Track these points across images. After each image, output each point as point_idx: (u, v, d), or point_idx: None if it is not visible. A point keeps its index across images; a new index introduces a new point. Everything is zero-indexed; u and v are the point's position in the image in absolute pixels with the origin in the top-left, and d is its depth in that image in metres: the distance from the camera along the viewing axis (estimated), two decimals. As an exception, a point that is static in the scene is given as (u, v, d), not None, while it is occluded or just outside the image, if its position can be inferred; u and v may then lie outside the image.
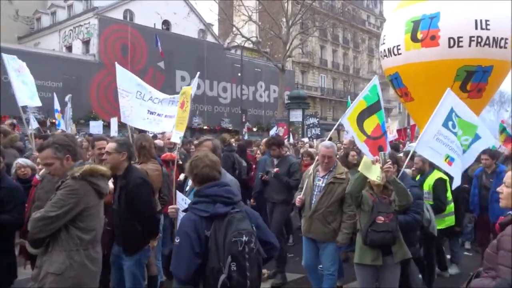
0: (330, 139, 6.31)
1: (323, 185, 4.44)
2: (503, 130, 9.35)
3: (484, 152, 5.77)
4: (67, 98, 8.71)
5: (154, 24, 28.68)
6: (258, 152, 8.21)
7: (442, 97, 4.61)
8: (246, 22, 25.29)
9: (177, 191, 3.65)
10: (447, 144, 4.48)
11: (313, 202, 4.47)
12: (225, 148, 7.33)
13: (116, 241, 3.76)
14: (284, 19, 25.49)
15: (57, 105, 9.55)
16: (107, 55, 24.99)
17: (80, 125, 19.74)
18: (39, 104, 7.42)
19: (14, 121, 8.22)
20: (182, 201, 3.42)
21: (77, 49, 28.01)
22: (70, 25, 28.87)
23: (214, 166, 2.66)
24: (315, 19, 29.35)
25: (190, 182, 3.53)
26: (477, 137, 4.82)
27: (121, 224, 3.66)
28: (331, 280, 4.41)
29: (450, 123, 4.55)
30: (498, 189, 2.58)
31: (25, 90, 7.09)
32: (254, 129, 30.51)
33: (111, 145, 3.73)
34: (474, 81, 12.35)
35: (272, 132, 15.17)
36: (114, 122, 10.08)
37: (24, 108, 7.30)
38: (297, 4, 26.64)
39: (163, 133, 7.12)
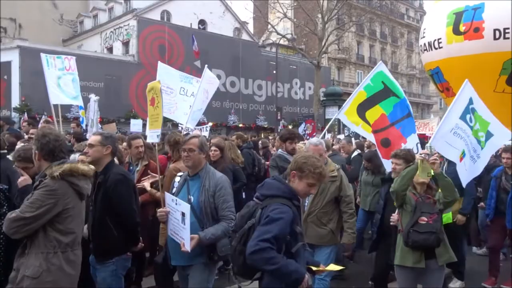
0: (323, 135, 6.28)
1: None
2: None
3: (506, 150, 5.31)
4: (94, 98, 8.84)
5: (191, 24, 29.17)
6: (274, 148, 8.20)
7: (460, 89, 4.24)
8: (281, 19, 25.18)
9: (166, 192, 3.42)
10: (464, 138, 4.10)
11: (306, 204, 4.20)
12: (244, 146, 7.44)
13: (92, 247, 3.35)
14: (319, 15, 25.17)
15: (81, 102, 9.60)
16: (145, 55, 25.70)
17: (120, 124, 20.43)
18: (81, 103, 7.77)
19: (49, 119, 8.62)
20: (172, 202, 3.21)
21: (118, 50, 28.99)
22: (111, 27, 29.91)
23: None
24: (351, 14, 28.76)
25: (177, 179, 3.41)
26: (489, 134, 4.37)
27: (96, 227, 3.24)
28: (323, 285, 4.12)
29: (468, 116, 4.16)
30: None
31: (68, 89, 7.47)
32: (290, 127, 30.41)
33: (95, 138, 3.40)
34: (522, 75, 11.70)
35: (300, 128, 14.97)
36: (139, 122, 10.28)
37: (68, 107, 7.69)
38: (333, 0, 26.22)
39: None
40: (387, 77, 4.87)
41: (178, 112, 6.01)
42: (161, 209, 3.35)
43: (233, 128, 27.19)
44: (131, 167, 5.03)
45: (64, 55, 8.01)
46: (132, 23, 27.31)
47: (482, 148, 4.32)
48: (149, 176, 4.62)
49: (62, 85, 7.59)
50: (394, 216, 3.91)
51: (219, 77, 28.61)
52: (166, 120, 6.69)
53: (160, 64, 6.09)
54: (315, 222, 4.14)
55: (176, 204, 3.15)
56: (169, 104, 5.92)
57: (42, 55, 7.50)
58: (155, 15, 29.48)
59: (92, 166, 2.94)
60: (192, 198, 3.19)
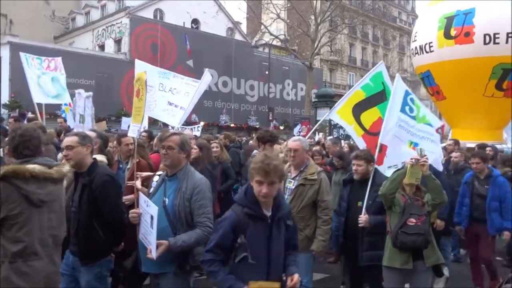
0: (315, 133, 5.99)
1: (293, 187, 3.99)
2: None
3: (474, 155, 5.27)
4: (86, 94, 8.69)
5: (184, 23, 29.10)
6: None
7: (394, 84, 4.37)
8: (274, 20, 25.23)
9: (140, 193, 3.20)
10: (408, 129, 4.22)
11: None
12: (231, 145, 7.45)
13: (71, 249, 3.17)
14: (312, 17, 25.27)
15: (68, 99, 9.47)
16: (138, 53, 25.55)
17: (111, 122, 20.28)
18: (65, 101, 7.72)
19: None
20: (144, 203, 2.99)
21: (109, 47, 28.80)
22: (103, 24, 29.71)
23: None
24: (344, 16, 28.92)
25: (155, 178, 3.25)
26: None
27: (80, 229, 3.08)
28: None
29: (407, 108, 4.26)
30: None
31: (48, 88, 7.45)
32: (281, 127, 30.46)
33: (72, 139, 3.16)
34: (511, 79, 11.87)
35: (296, 130, 15.01)
36: (145, 119, 10.13)
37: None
38: (326, 1, 26.35)
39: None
40: (385, 78, 4.77)
41: (157, 109, 5.86)
42: (133, 210, 3.13)
43: (224, 128, 27.15)
44: (120, 165, 4.97)
45: (44, 57, 7.99)
46: (125, 21, 27.15)
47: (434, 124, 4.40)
48: (140, 173, 4.58)
49: (42, 84, 7.60)
50: (362, 218, 3.88)
51: (211, 76, 28.64)
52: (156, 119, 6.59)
53: (137, 61, 5.97)
54: None
55: (147, 206, 2.92)
56: (149, 102, 5.74)
57: (21, 54, 7.49)
58: (148, 14, 29.34)
59: (67, 168, 2.72)
60: (167, 200, 2.96)
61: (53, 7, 31.90)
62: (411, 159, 3.68)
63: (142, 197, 3.06)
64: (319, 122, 6.05)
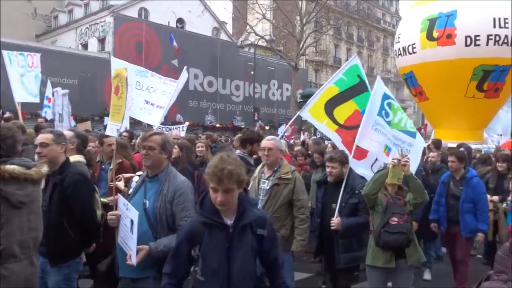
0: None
1: (268, 187, 3.96)
2: None
3: (451, 153, 5.28)
4: (62, 92, 8.52)
5: (169, 22, 28.87)
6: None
7: (374, 87, 4.32)
8: (260, 20, 25.26)
9: (119, 195, 3.09)
10: (384, 133, 4.17)
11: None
12: (214, 145, 7.42)
13: (40, 250, 2.93)
14: (298, 17, 25.40)
15: (48, 92, 9.11)
16: (122, 52, 25.24)
17: (94, 122, 19.98)
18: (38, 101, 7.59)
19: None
20: (124, 206, 2.86)
21: (93, 46, 28.38)
22: (86, 23, 29.25)
23: None
24: (329, 17, 29.14)
25: (135, 178, 3.12)
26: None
27: (50, 229, 2.92)
28: None
29: (383, 112, 4.22)
30: (510, 198, 2.43)
31: (31, 87, 7.29)
32: (267, 128, 30.50)
33: (47, 136, 3.11)
34: (491, 81, 12.16)
35: (280, 130, 15.04)
36: (127, 118, 9.97)
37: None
38: (312, 2, 26.51)
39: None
40: (361, 71, 4.62)
41: (134, 108, 5.76)
42: (112, 212, 2.98)
43: (210, 128, 27.03)
44: (103, 166, 4.90)
45: (27, 52, 7.81)
46: (109, 20, 26.79)
47: (414, 135, 4.31)
48: (123, 175, 4.52)
49: (26, 82, 7.44)
50: (334, 221, 3.87)
51: (196, 76, 28.51)
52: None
53: (113, 59, 5.85)
54: None
55: (127, 209, 2.80)
56: (126, 101, 5.67)
57: (4, 52, 7.31)
58: (133, 12, 29.01)
59: (45, 168, 2.62)
60: (147, 203, 2.83)
61: (35, 5, 31.28)
62: (393, 159, 3.72)
63: (122, 200, 2.93)
64: (292, 119, 5.86)
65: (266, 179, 4.02)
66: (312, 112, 4.60)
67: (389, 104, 4.29)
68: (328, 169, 4.10)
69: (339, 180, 4.06)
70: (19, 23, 29.48)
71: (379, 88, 4.33)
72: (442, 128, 13.33)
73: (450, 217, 5.09)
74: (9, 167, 2.35)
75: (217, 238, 2.19)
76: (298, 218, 3.92)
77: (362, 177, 4.23)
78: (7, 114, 8.38)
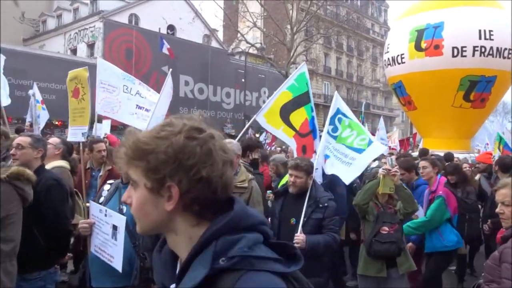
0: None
1: None
2: (500, 139, 9.41)
3: (398, 164, 5.32)
4: (31, 92, 8.37)
5: (159, 29, 28.82)
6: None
7: (332, 102, 4.52)
8: (250, 28, 25.39)
9: (91, 201, 2.98)
10: (326, 145, 4.23)
11: None
12: None
13: None
14: (288, 26, 25.57)
15: (38, 96, 8.82)
16: (112, 58, 25.03)
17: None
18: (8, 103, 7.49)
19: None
20: (101, 213, 2.76)
21: (82, 52, 28.15)
22: (76, 28, 29.04)
23: None
24: (319, 26, 29.42)
25: (106, 187, 3.04)
26: (370, 142, 4.36)
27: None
28: None
29: (330, 128, 4.30)
30: (498, 209, 2.43)
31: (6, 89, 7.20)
32: (257, 135, 30.49)
33: (24, 139, 3.03)
34: (477, 91, 12.37)
35: (262, 137, 15.05)
36: (107, 124, 9.70)
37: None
38: (302, 12, 26.73)
39: None
40: (308, 80, 4.61)
41: (122, 112, 5.63)
42: (84, 221, 2.88)
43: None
44: (93, 173, 4.87)
45: None
46: (98, 25, 26.65)
47: (363, 150, 4.26)
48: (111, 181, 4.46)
49: (3, 85, 7.32)
50: (298, 237, 3.31)
51: (187, 83, 28.45)
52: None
53: (99, 60, 5.80)
54: None
55: (105, 215, 2.70)
56: (112, 104, 5.46)
57: None
58: (123, 18, 28.90)
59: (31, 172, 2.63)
60: (124, 209, 2.75)
61: (23, 8, 30.95)
62: (383, 169, 3.74)
63: (97, 206, 2.82)
64: (247, 125, 5.56)
65: None
66: (267, 118, 4.44)
67: (340, 120, 4.36)
68: (291, 178, 3.55)
69: (301, 192, 3.53)
70: (6, 26, 29.11)
71: (333, 105, 4.46)
72: (430, 137, 13.49)
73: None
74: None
75: None
76: None
77: (327, 190, 3.76)
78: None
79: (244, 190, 3.52)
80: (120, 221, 2.62)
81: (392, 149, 14.24)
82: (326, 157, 4.20)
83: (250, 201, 3.51)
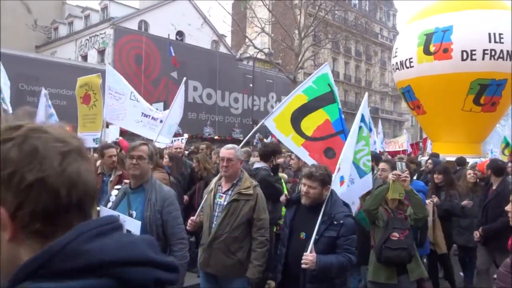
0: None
1: (225, 203, 3.46)
2: (507, 144, 9.30)
3: (383, 161, 5.28)
4: (43, 92, 8.47)
5: (168, 35, 29.09)
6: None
7: (362, 105, 4.12)
8: (258, 33, 25.48)
9: (102, 207, 3.01)
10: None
11: (213, 226, 3.44)
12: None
13: None
14: (296, 31, 25.63)
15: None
16: (121, 64, 25.38)
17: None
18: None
19: None
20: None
21: (92, 58, 28.52)
22: (86, 34, 29.44)
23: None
24: (327, 31, 29.44)
25: (114, 192, 3.06)
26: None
27: None
28: None
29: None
30: (507, 207, 2.44)
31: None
32: (265, 140, 30.50)
33: None
34: (487, 95, 12.26)
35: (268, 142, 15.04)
36: (115, 129, 9.72)
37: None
38: (310, 17, 26.78)
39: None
40: (332, 80, 4.33)
41: (128, 119, 5.61)
42: None
43: (208, 140, 27.04)
44: (104, 178, 4.91)
45: None
46: (109, 32, 26.98)
47: (362, 175, 3.87)
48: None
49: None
50: (307, 257, 2.97)
51: (195, 88, 28.61)
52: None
53: (108, 67, 5.83)
54: (222, 249, 3.37)
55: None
56: (117, 111, 5.48)
57: None
58: (133, 25, 29.25)
59: None
60: (134, 213, 2.80)
61: (35, 16, 31.51)
62: (392, 174, 3.70)
63: (108, 212, 2.84)
64: (254, 129, 5.45)
65: (223, 193, 3.53)
66: (278, 123, 4.18)
67: (359, 128, 3.92)
68: (304, 188, 3.23)
69: (315, 204, 3.22)
70: (19, 33, 29.69)
71: (364, 108, 4.05)
72: (440, 142, 13.38)
73: None
74: None
75: None
76: (257, 240, 3.39)
77: (346, 204, 3.38)
78: None
79: (250, 197, 3.43)
80: (135, 226, 2.63)
81: (402, 152, 14.17)
82: (341, 178, 3.65)
83: (256, 208, 3.42)
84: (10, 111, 7.63)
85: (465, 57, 11.80)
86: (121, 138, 7.14)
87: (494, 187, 5.25)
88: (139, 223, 2.65)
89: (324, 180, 3.19)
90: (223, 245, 3.37)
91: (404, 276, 3.61)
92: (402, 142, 15.05)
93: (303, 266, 2.98)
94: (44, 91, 7.98)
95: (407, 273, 3.61)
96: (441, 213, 5.28)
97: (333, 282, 3.12)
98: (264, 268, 3.40)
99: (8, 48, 22.43)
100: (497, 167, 5.32)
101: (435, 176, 5.64)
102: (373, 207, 3.68)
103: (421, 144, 16.92)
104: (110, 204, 2.98)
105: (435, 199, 5.27)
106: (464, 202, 5.47)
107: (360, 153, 3.88)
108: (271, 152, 4.62)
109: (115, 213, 2.78)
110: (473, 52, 11.71)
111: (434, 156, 9.09)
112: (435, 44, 12.18)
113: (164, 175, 4.61)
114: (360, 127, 3.91)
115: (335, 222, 3.10)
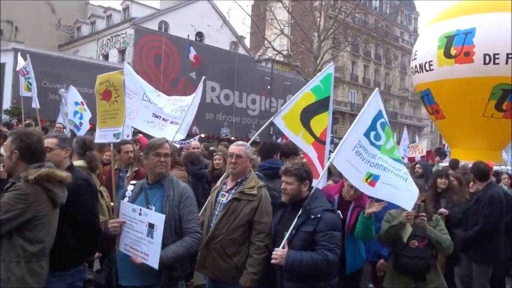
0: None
1: (226, 202, 3.25)
2: None
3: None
4: (62, 91, 8.74)
5: (188, 36, 29.41)
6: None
7: (369, 99, 3.52)
8: (277, 35, 25.50)
9: (122, 201, 3.03)
10: (366, 158, 3.27)
11: (211, 225, 3.27)
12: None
13: None
14: (316, 34, 25.55)
15: (79, 97, 8.86)
16: (141, 64, 25.77)
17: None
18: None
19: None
20: (134, 212, 2.84)
21: (113, 57, 29.05)
22: (108, 34, 30.03)
23: None
24: (347, 34, 29.23)
25: (130, 187, 3.09)
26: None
27: None
28: None
29: (372, 134, 3.35)
30: None
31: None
32: (279, 141, 30.43)
33: (51, 141, 3.03)
34: (510, 100, 11.92)
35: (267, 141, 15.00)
36: (128, 126, 9.71)
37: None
38: (330, 19, 26.66)
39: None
40: (332, 83, 4.15)
41: (139, 118, 5.65)
42: (114, 220, 2.96)
43: (225, 141, 27.17)
44: (120, 174, 4.97)
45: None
46: (130, 32, 27.44)
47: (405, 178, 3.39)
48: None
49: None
50: (277, 252, 2.93)
51: (213, 89, 28.80)
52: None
53: (126, 66, 5.90)
54: (218, 251, 3.17)
55: (140, 214, 2.79)
56: (130, 109, 5.49)
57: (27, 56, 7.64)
58: (153, 25, 29.68)
59: (69, 173, 2.66)
60: (153, 208, 2.84)
61: (59, 15, 32.31)
62: (408, 216, 3.34)
63: (129, 206, 2.91)
64: (262, 128, 5.27)
65: (227, 191, 3.34)
66: (287, 121, 4.02)
67: (382, 125, 3.42)
68: (282, 185, 3.17)
69: (298, 201, 3.12)
70: (43, 32, 30.48)
71: (374, 103, 3.48)
72: (459, 148, 13.08)
73: None
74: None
75: None
76: (255, 245, 3.13)
77: (331, 202, 3.30)
78: (27, 121, 8.61)
79: (253, 197, 3.19)
80: (160, 219, 2.71)
81: (421, 157, 13.92)
82: (375, 178, 3.26)
83: (258, 210, 3.19)
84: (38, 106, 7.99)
85: (487, 60, 11.49)
86: (141, 135, 7.22)
87: (473, 191, 4.97)
88: (163, 216, 2.70)
89: (300, 175, 3.09)
90: (219, 246, 3.17)
91: (422, 286, 3.50)
92: (423, 147, 14.78)
93: (272, 261, 2.92)
94: (61, 90, 8.24)
95: (426, 282, 3.50)
96: (455, 221, 4.84)
97: (316, 285, 2.96)
98: (260, 277, 3.11)
99: (32, 46, 23.07)
100: (479, 171, 4.91)
101: (438, 182, 5.11)
102: (388, 242, 3.58)
103: (446, 149, 16.37)
104: (126, 199, 3.02)
105: (443, 211, 4.83)
106: None
107: (395, 151, 3.47)
108: (281, 153, 4.26)
109: (136, 206, 2.87)
110: (496, 56, 11.39)
111: (454, 162, 8.90)
112: (456, 47, 11.90)
113: (183, 173, 4.64)
114: (383, 125, 3.43)
115: (312, 216, 2.98)
